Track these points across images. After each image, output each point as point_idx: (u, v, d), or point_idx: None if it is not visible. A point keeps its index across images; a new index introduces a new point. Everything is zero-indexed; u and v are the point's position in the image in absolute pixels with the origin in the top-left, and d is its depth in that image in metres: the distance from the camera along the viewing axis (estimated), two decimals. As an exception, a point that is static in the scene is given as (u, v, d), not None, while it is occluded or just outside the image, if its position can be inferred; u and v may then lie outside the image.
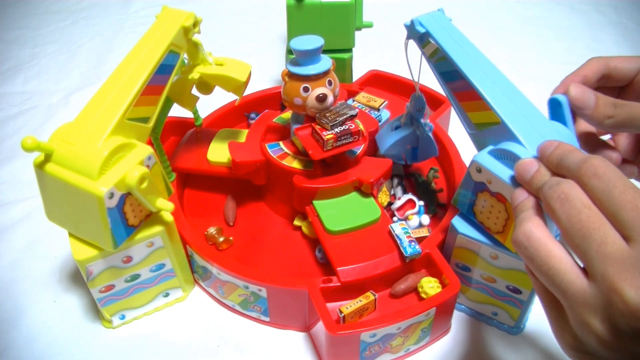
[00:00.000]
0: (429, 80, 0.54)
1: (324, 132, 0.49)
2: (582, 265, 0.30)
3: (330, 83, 0.50)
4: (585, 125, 0.44)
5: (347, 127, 0.49)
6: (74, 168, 0.41)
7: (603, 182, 0.29)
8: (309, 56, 0.49)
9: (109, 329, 0.52)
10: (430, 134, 0.56)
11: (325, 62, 0.50)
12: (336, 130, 0.49)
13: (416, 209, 0.57)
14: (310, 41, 0.49)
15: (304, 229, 0.55)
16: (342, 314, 0.46)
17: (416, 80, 0.52)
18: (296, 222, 0.56)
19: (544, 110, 0.43)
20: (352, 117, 0.50)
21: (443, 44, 0.46)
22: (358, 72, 0.76)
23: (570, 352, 0.31)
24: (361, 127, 0.50)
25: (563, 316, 0.31)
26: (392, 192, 0.60)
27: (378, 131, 0.59)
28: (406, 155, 0.59)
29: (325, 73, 0.50)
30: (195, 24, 0.49)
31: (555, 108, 0.42)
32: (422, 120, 0.55)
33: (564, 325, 0.31)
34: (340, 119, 0.48)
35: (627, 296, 0.26)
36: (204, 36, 0.51)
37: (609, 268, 0.27)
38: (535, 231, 0.31)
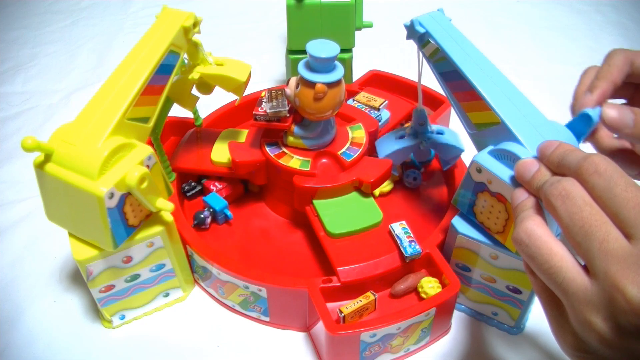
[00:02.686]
0: (429, 80, 0.54)
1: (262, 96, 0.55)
2: (583, 264, 0.30)
3: (297, 86, 0.51)
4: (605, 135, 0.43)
5: (263, 109, 0.53)
6: (74, 168, 0.41)
7: (604, 179, 0.29)
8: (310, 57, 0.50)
9: (109, 329, 0.52)
10: (444, 139, 0.57)
11: (307, 74, 0.49)
12: (265, 100, 0.54)
13: None
14: (315, 47, 0.49)
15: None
16: (342, 314, 0.46)
17: (419, 95, 0.54)
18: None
19: (544, 111, 0.43)
20: (276, 111, 0.52)
21: (443, 44, 0.46)
22: (358, 72, 0.76)
23: (570, 352, 0.31)
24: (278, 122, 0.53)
25: (563, 315, 0.31)
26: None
27: (377, 131, 0.59)
28: (441, 164, 0.61)
29: (301, 81, 0.50)
30: (195, 24, 0.49)
31: (581, 121, 0.41)
32: (428, 133, 0.57)
33: (564, 324, 0.31)
34: (274, 101, 0.53)
35: (630, 294, 0.26)
36: (204, 36, 0.51)
37: (611, 266, 0.27)
38: (537, 229, 0.31)
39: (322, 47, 0.49)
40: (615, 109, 0.39)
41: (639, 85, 0.43)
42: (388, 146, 0.58)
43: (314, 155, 0.54)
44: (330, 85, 0.49)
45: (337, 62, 0.51)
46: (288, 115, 0.52)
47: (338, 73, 0.50)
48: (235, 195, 0.60)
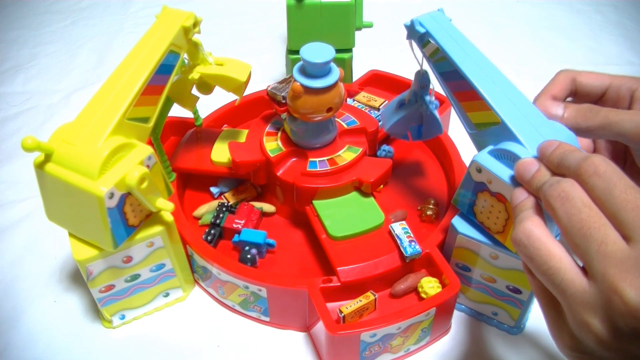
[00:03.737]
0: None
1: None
2: (581, 265, 0.30)
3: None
4: None
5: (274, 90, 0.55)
6: (74, 168, 0.41)
7: (604, 180, 0.29)
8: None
9: (109, 329, 0.52)
10: (436, 112, 0.55)
11: (296, 71, 0.50)
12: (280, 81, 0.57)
13: None
14: (308, 50, 0.49)
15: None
16: (342, 314, 0.46)
17: (420, 60, 0.51)
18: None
19: (544, 110, 0.43)
20: (274, 93, 0.55)
21: (443, 44, 0.46)
22: (358, 72, 0.76)
23: (568, 353, 0.31)
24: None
25: (561, 316, 0.31)
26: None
27: (378, 130, 0.59)
28: (411, 132, 0.58)
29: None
30: (195, 24, 0.49)
31: None
32: (427, 98, 0.54)
33: (562, 325, 0.31)
34: (283, 85, 0.56)
35: (627, 296, 0.26)
36: (204, 36, 0.51)
37: (609, 268, 0.27)
38: (535, 230, 0.31)
39: (313, 51, 0.49)
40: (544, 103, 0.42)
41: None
42: (391, 117, 0.57)
43: (289, 150, 0.55)
44: (309, 90, 0.49)
45: (332, 71, 0.50)
46: (283, 101, 0.53)
47: (321, 82, 0.49)
48: (260, 219, 0.58)
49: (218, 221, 0.55)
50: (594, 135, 0.41)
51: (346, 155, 0.54)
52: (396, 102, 0.57)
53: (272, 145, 0.55)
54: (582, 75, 0.43)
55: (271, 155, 0.54)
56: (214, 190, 0.60)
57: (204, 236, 0.54)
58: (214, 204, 0.58)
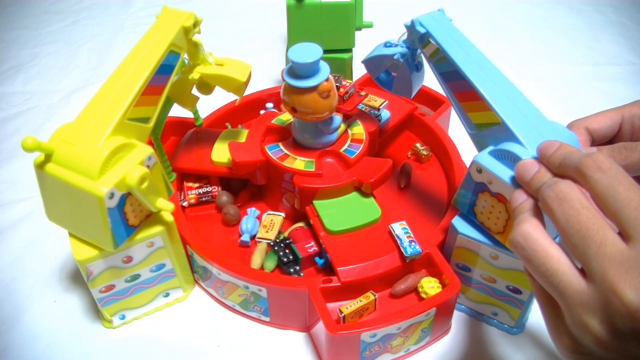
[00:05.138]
0: (429, 80, 0.54)
1: None
2: (580, 267, 0.30)
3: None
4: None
5: None
6: (74, 168, 0.41)
7: (608, 177, 0.29)
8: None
9: (109, 329, 0.52)
10: (416, 73, 0.52)
11: (287, 68, 0.51)
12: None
13: None
14: (295, 50, 0.49)
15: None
16: (342, 314, 0.46)
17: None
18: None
19: (544, 111, 0.43)
20: None
21: (443, 44, 0.46)
22: (358, 72, 0.76)
23: (567, 354, 0.31)
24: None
25: (560, 317, 0.31)
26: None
27: (377, 131, 0.59)
28: (381, 78, 0.56)
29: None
30: (196, 24, 0.49)
31: None
32: (417, 51, 0.50)
33: (561, 326, 0.31)
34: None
35: (627, 297, 0.26)
36: (204, 36, 0.51)
37: (608, 269, 0.27)
38: (533, 232, 0.31)
39: (300, 50, 0.49)
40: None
41: (611, 141, 0.42)
42: (374, 50, 0.54)
43: (283, 128, 0.57)
44: (285, 82, 0.50)
45: (314, 76, 0.49)
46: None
47: (292, 80, 0.49)
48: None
49: (291, 257, 0.52)
50: (636, 171, 0.38)
51: (297, 164, 0.54)
52: (387, 41, 0.52)
53: (285, 117, 0.59)
54: (591, 121, 0.41)
55: (271, 122, 0.58)
56: (244, 239, 0.55)
57: (294, 275, 0.52)
58: (261, 248, 0.54)
